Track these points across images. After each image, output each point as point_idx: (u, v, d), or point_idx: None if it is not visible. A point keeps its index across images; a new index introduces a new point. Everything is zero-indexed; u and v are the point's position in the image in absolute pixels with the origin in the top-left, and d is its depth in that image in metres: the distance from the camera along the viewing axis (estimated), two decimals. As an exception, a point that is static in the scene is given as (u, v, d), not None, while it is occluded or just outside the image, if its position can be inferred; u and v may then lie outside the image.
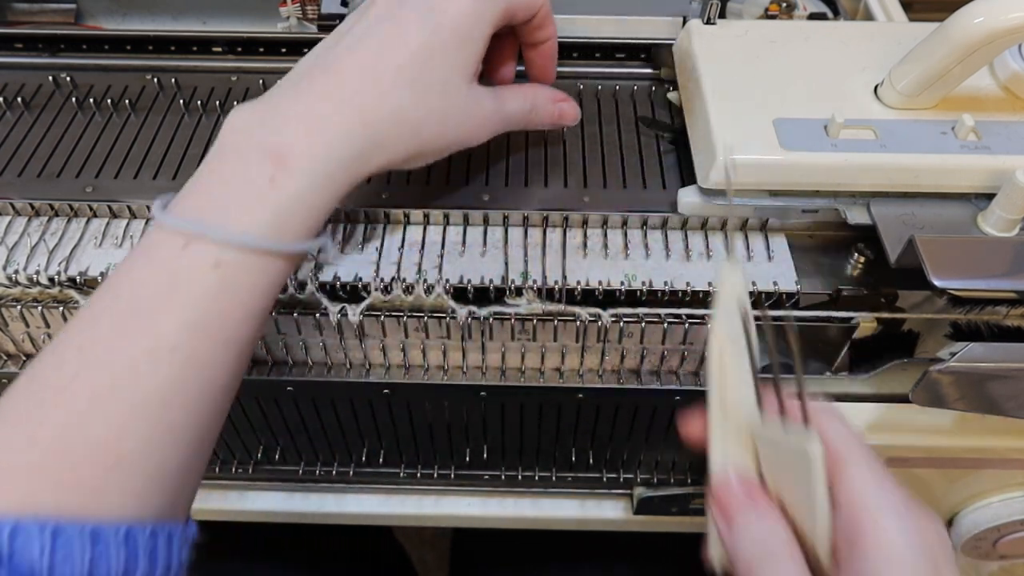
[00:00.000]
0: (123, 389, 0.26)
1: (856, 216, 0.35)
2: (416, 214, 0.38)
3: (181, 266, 0.27)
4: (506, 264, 0.36)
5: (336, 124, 0.29)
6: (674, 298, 0.36)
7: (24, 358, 0.39)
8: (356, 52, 0.30)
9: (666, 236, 0.38)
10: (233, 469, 0.48)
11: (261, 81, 0.43)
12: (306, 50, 0.44)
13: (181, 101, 0.43)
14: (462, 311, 0.35)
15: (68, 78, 0.43)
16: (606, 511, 0.49)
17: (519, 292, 0.35)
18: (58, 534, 0.23)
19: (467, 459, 0.46)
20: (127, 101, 0.42)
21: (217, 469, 0.47)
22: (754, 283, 0.35)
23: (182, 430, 0.27)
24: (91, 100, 0.43)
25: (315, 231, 0.30)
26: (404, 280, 0.35)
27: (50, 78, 0.43)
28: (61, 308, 0.36)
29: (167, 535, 0.26)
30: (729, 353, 0.27)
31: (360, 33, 0.31)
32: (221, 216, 0.27)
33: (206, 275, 0.27)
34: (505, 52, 0.38)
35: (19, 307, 0.36)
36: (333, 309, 0.35)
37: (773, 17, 0.48)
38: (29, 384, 0.26)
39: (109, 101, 0.42)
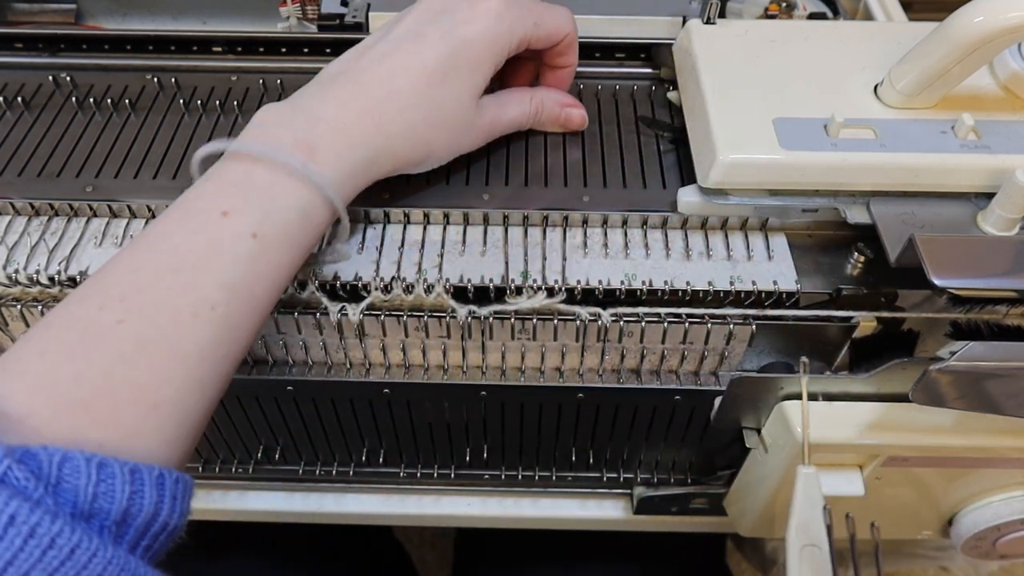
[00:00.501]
0: (167, 339, 0.27)
1: (856, 215, 0.35)
2: (416, 214, 0.38)
3: (221, 232, 0.29)
4: (506, 264, 0.36)
5: (358, 130, 0.32)
6: (674, 297, 0.36)
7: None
8: (379, 66, 0.33)
9: (666, 235, 0.38)
10: (233, 469, 0.48)
11: (261, 81, 0.43)
12: (306, 50, 0.45)
13: (181, 101, 0.43)
14: (462, 311, 0.35)
15: (68, 78, 0.43)
16: (606, 511, 0.49)
17: (519, 292, 0.35)
18: (103, 467, 0.24)
19: (467, 459, 0.46)
20: (127, 101, 0.42)
21: (217, 469, 0.47)
22: (754, 283, 0.35)
23: (209, 384, 0.28)
24: (91, 100, 0.43)
25: (328, 225, 0.33)
26: (404, 279, 0.35)
27: (50, 78, 0.43)
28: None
29: (185, 483, 0.27)
30: (811, 555, 0.30)
31: (386, 47, 0.33)
32: (266, 189, 0.30)
33: (244, 243, 0.29)
34: (522, 71, 0.40)
35: (19, 307, 0.36)
36: (333, 308, 0.35)
37: (773, 17, 0.48)
38: (70, 323, 0.27)
39: (109, 101, 0.42)
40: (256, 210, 0.29)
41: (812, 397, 0.36)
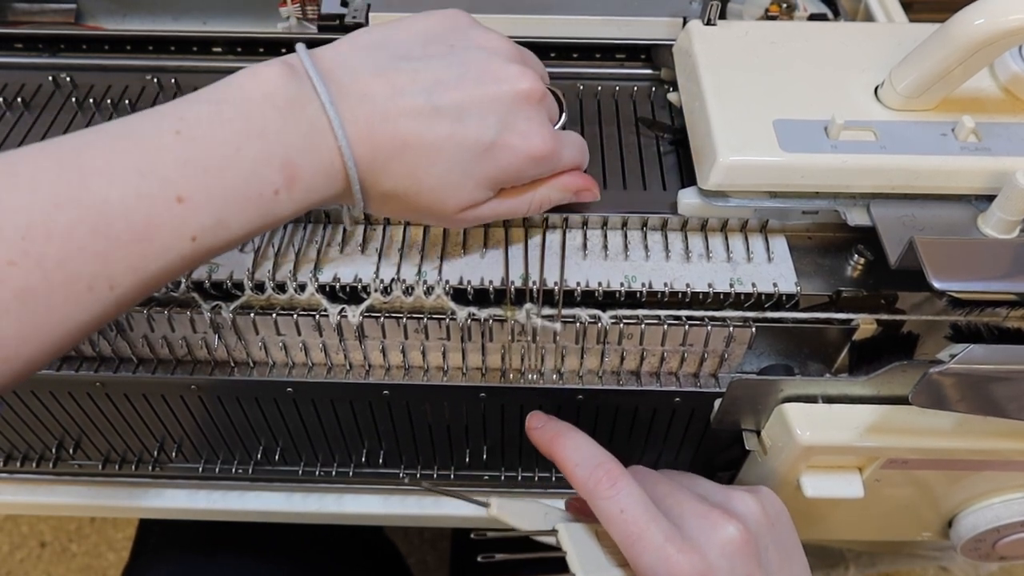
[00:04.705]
0: (50, 304, 0.24)
1: (856, 217, 0.35)
2: (416, 215, 0.38)
3: (164, 220, 0.26)
4: (506, 265, 0.36)
5: (342, 179, 0.30)
6: (674, 299, 0.36)
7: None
8: (441, 125, 0.30)
9: (666, 237, 0.38)
10: (233, 469, 0.48)
11: (261, 82, 0.43)
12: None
13: (181, 102, 0.43)
14: (462, 312, 0.35)
15: (68, 78, 0.43)
16: (606, 512, 0.49)
17: (519, 296, 0.35)
18: None
19: (467, 460, 0.46)
20: (127, 101, 0.42)
21: (217, 469, 0.48)
22: (754, 285, 0.35)
23: (62, 351, 0.26)
24: (91, 100, 0.43)
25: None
26: (404, 281, 0.35)
27: (50, 78, 0.43)
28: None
29: None
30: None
31: (428, 110, 0.30)
32: (222, 205, 0.27)
33: (181, 244, 0.26)
34: None
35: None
36: (333, 310, 0.35)
37: (773, 18, 0.48)
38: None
39: (109, 101, 0.42)
40: (212, 213, 0.26)
41: (812, 399, 0.36)
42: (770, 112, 0.36)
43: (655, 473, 0.35)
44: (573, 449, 0.34)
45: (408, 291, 0.35)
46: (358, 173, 0.29)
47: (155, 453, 0.47)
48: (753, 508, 0.33)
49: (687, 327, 0.36)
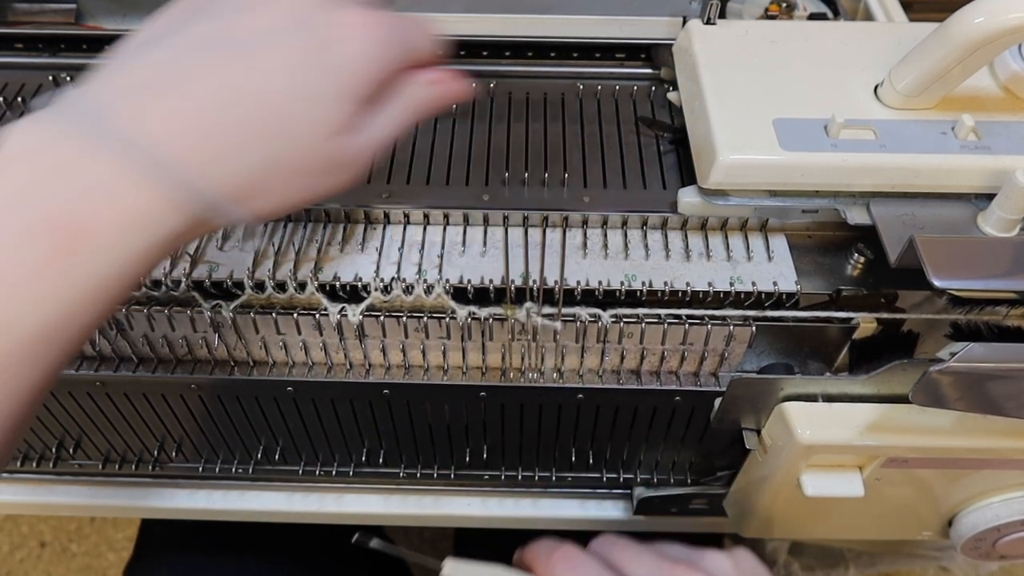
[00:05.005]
0: None
1: (856, 216, 0.35)
2: (416, 214, 0.38)
3: None
4: (506, 264, 0.36)
5: (156, 198, 0.23)
6: (674, 298, 0.36)
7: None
8: (210, 79, 0.24)
9: (666, 236, 0.38)
10: (233, 469, 0.48)
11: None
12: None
13: (181, 101, 0.43)
14: (462, 311, 0.35)
15: (68, 78, 0.43)
16: (606, 511, 0.49)
17: (519, 295, 0.35)
18: None
19: (467, 459, 0.46)
20: (127, 101, 0.42)
21: (217, 469, 0.48)
22: (754, 284, 0.35)
23: None
24: (91, 100, 0.42)
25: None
26: (404, 280, 0.35)
27: (50, 78, 0.43)
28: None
29: None
30: None
31: (216, 54, 0.24)
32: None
33: None
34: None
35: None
36: (333, 309, 0.35)
37: (773, 17, 0.48)
38: None
39: (109, 101, 0.42)
40: None
41: (812, 398, 0.36)
42: (770, 111, 0.36)
43: (624, 540, 0.35)
44: (537, 546, 0.36)
45: (408, 290, 0.35)
46: (187, 178, 0.23)
47: (155, 453, 0.47)
48: (724, 565, 0.33)
49: (687, 326, 0.36)
